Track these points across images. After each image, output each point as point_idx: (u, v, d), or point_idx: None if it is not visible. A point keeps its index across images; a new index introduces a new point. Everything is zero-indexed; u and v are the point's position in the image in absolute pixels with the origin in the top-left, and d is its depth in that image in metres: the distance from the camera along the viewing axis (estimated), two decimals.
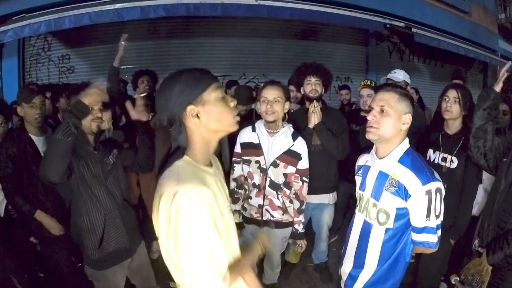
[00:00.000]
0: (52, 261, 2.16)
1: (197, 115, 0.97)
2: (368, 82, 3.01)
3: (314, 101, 2.36)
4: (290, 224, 2.17)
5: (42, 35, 5.13)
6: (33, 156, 2.07)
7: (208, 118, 0.98)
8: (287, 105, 2.05)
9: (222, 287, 0.93)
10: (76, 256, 2.20)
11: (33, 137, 2.13)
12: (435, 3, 6.46)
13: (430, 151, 2.16)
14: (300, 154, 2.07)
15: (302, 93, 2.53)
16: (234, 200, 2.17)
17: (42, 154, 2.11)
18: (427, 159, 2.15)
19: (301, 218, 2.16)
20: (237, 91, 3.05)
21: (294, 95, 3.10)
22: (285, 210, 2.13)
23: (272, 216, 2.12)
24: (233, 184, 2.17)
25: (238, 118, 1.04)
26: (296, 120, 2.47)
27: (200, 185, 0.93)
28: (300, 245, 2.20)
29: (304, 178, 2.10)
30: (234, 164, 2.15)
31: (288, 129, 2.10)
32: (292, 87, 3.11)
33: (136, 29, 5.08)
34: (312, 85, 2.40)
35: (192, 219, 0.88)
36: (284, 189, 2.09)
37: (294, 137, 2.08)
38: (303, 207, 2.15)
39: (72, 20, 3.96)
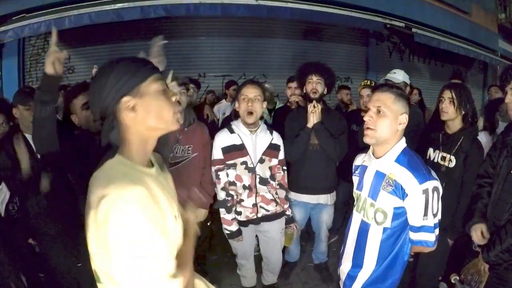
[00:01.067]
0: (50, 261, 2.16)
1: (133, 108, 0.84)
2: (368, 82, 3.01)
3: (314, 101, 2.35)
4: (282, 214, 2.25)
5: (42, 35, 5.13)
6: (27, 154, 2.07)
7: (146, 112, 0.85)
8: (264, 105, 2.10)
9: (172, 284, 0.82)
10: (76, 256, 2.20)
11: (28, 136, 2.12)
12: (435, 3, 6.47)
13: (430, 150, 2.17)
14: (279, 146, 2.20)
15: (304, 91, 2.52)
16: (228, 210, 2.11)
17: (36, 152, 2.13)
18: (427, 158, 2.16)
19: (288, 204, 2.29)
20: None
21: (292, 93, 3.10)
22: (277, 202, 2.20)
23: (267, 210, 2.16)
24: (222, 194, 2.09)
25: (178, 116, 0.91)
26: (295, 120, 2.47)
27: (132, 185, 0.79)
28: (293, 227, 2.32)
29: (284, 167, 2.24)
30: (218, 173, 2.08)
31: (263, 124, 2.18)
32: (291, 84, 3.11)
33: (136, 29, 5.09)
34: (313, 84, 2.40)
35: (124, 227, 0.75)
36: (271, 181, 2.17)
37: (270, 131, 2.20)
38: (288, 193, 2.30)
39: (72, 20, 3.97)
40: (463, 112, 2.01)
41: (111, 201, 0.75)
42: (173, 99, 0.90)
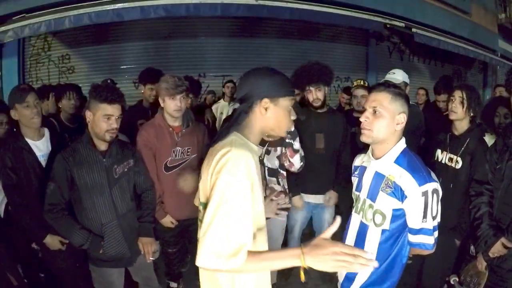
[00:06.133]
0: (54, 265, 2.14)
1: (266, 109, 1.11)
2: (361, 82, 2.99)
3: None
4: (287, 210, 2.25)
5: (42, 35, 5.13)
6: (32, 163, 1.96)
7: (272, 116, 1.13)
8: None
9: (230, 263, 0.93)
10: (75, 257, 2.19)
11: (30, 142, 1.98)
12: (435, 3, 6.46)
13: (438, 152, 2.17)
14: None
15: (305, 96, 2.52)
16: None
17: (39, 159, 1.99)
18: (436, 159, 2.16)
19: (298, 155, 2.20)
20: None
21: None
22: (286, 193, 2.18)
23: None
24: None
25: (289, 130, 1.20)
26: (299, 122, 2.47)
27: (247, 150, 1.04)
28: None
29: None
30: None
31: None
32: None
33: (136, 29, 5.09)
34: (313, 95, 2.39)
35: (233, 176, 0.97)
36: (281, 171, 2.18)
37: None
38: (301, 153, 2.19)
39: (72, 20, 3.96)
40: (471, 114, 2.01)
41: (233, 154, 1.00)
42: (292, 117, 1.20)
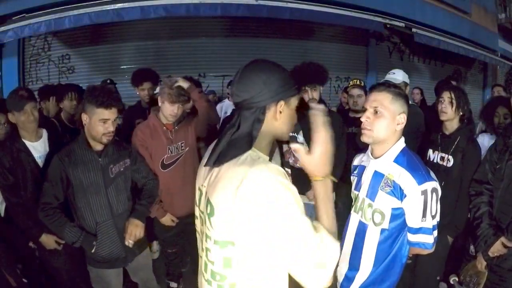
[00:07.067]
0: (50, 265, 2.14)
1: (280, 112, 0.96)
2: (357, 82, 3.00)
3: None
4: None
5: (42, 35, 5.13)
6: (29, 164, 1.99)
7: (284, 119, 0.98)
8: None
9: (334, 246, 0.89)
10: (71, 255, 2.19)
11: (27, 143, 2.02)
12: (435, 3, 6.47)
13: (430, 151, 2.20)
14: None
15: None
16: None
17: (37, 160, 2.02)
18: (427, 158, 2.18)
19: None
20: None
21: None
22: None
23: None
24: None
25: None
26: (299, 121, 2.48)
27: (272, 164, 0.91)
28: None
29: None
30: None
31: None
32: None
33: (136, 29, 5.09)
34: (309, 95, 2.38)
35: (283, 192, 0.85)
36: (285, 169, 2.14)
37: None
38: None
39: (72, 20, 3.97)
40: (461, 113, 2.05)
41: (255, 177, 0.85)
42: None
